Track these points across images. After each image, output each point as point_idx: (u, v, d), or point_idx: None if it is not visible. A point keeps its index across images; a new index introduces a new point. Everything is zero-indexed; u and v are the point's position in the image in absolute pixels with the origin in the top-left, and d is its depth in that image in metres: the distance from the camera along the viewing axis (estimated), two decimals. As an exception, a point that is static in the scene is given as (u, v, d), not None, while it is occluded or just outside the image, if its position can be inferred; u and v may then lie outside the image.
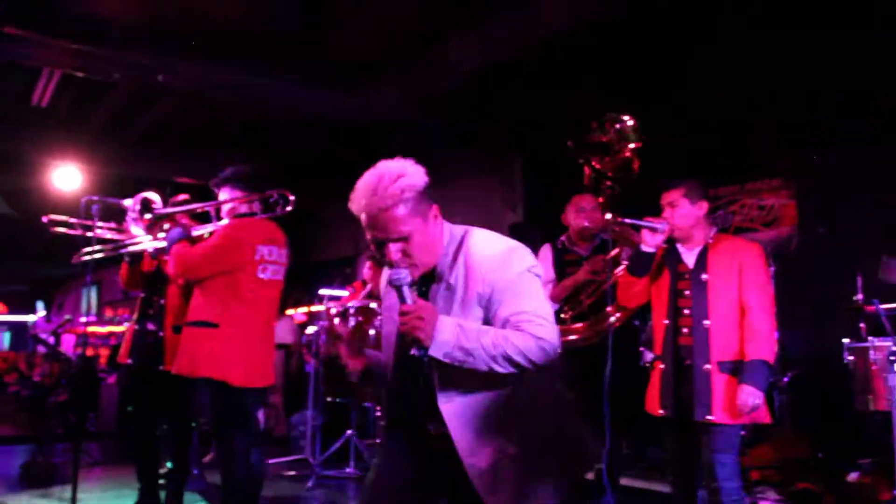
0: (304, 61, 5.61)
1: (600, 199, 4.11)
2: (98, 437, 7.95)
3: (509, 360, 1.85)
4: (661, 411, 3.25)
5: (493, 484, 1.94)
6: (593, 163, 4.14)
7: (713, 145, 5.32)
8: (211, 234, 3.88)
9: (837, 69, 4.80)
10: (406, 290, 1.87)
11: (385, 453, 2.16)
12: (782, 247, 5.23)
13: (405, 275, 1.88)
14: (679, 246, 3.39)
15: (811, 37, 4.73)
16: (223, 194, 3.89)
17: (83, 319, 7.01)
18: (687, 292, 3.26)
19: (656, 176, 3.47)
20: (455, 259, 1.97)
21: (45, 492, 5.19)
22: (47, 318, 17.75)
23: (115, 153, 7.21)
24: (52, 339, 9.32)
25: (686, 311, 3.24)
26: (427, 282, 2.02)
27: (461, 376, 1.91)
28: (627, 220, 3.43)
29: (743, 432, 3.24)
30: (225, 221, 3.86)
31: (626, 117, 3.76)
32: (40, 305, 18.09)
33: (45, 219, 4.56)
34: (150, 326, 4.30)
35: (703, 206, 3.31)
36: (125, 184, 6.92)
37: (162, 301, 4.30)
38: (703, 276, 3.22)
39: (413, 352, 1.84)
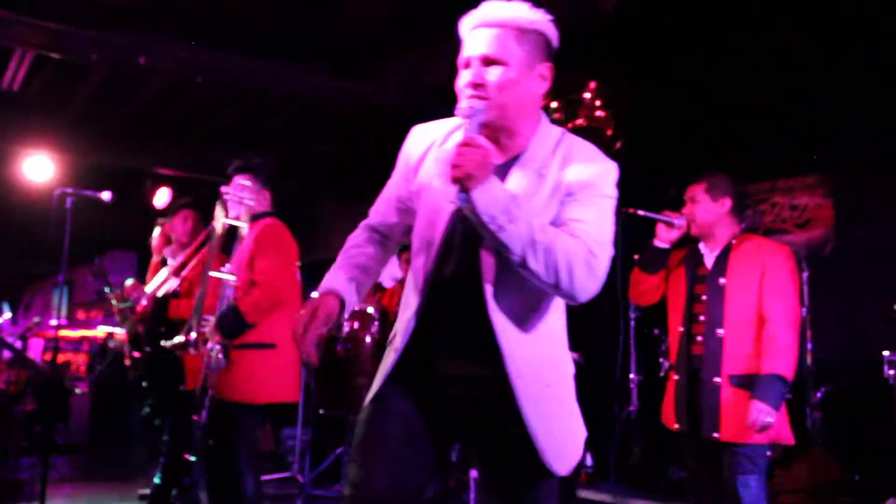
0: (304, 43, 5.54)
1: None
2: (68, 450, 7.88)
3: (550, 255, 1.70)
4: (676, 426, 3.21)
5: (539, 412, 1.84)
6: None
7: (743, 138, 5.30)
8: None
9: (879, 58, 4.76)
10: (475, 124, 1.76)
11: (379, 411, 1.93)
12: (816, 250, 5.21)
13: (481, 109, 1.77)
14: (702, 246, 3.34)
15: (851, 23, 4.69)
16: (237, 181, 3.71)
17: (53, 322, 6.94)
18: (704, 297, 3.20)
19: (683, 170, 3.42)
20: (554, 151, 1.86)
21: (10, 509, 5.16)
22: (13, 321, 17.64)
23: (92, 142, 7.12)
24: (18, 344, 9.26)
25: (701, 318, 3.18)
26: (507, 168, 1.88)
27: (515, 289, 1.81)
28: (641, 213, 3.37)
29: (769, 452, 3.18)
30: (243, 221, 3.68)
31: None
32: (6, 306, 17.98)
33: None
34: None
35: (727, 204, 3.26)
36: (102, 175, 6.88)
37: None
38: (721, 280, 3.16)
39: (452, 198, 1.71)
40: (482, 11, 1.85)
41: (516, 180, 1.84)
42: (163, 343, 4.04)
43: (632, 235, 3.40)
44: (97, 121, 6.93)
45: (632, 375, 5.48)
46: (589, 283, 1.75)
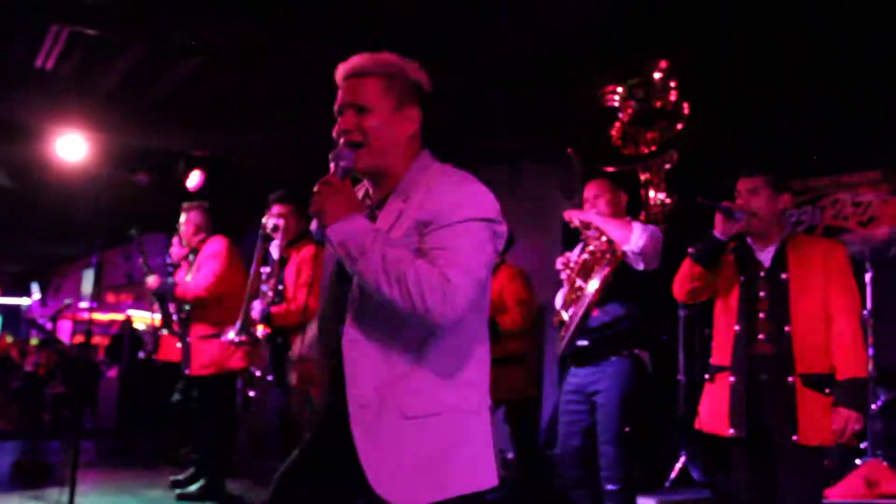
0: (347, 23, 5.53)
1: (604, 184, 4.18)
2: (96, 435, 8.03)
3: (402, 284, 1.80)
4: (731, 431, 3.15)
5: (376, 441, 1.91)
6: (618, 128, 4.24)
7: (804, 131, 5.21)
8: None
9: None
10: (341, 166, 1.95)
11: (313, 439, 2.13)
12: (880, 250, 5.12)
13: (348, 155, 1.97)
14: (751, 242, 3.32)
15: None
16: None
17: (84, 305, 7.06)
18: (762, 294, 3.18)
19: (737, 163, 3.39)
20: (421, 185, 1.99)
21: (38, 493, 5.25)
22: (43, 302, 18.06)
23: (126, 121, 7.16)
24: (48, 326, 9.46)
25: (762, 315, 3.16)
26: (382, 205, 2.05)
27: (375, 320, 1.93)
28: (703, 201, 3.33)
29: (827, 461, 3.15)
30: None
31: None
32: (35, 288, 18.38)
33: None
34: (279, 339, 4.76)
35: (785, 201, 3.27)
36: (135, 155, 7.00)
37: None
38: (784, 276, 3.15)
39: (312, 226, 1.93)
40: (353, 61, 2.04)
41: (384, 216, 2.00)
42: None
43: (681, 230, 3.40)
44: (131, 100, 6.96)
45: (679, 377, 5.44)
46: (444, 309, 1.81)
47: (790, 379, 3.05)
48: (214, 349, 5.19)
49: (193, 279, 5.32)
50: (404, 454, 1.90)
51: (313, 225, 1.94)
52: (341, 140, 2.01)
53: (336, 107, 2.06)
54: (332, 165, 1.96)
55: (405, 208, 1.97)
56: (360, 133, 1.99)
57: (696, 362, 5.43)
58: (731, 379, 3.20)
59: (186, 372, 5.34)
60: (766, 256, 3.25)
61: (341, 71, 2.07)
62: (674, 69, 4.24)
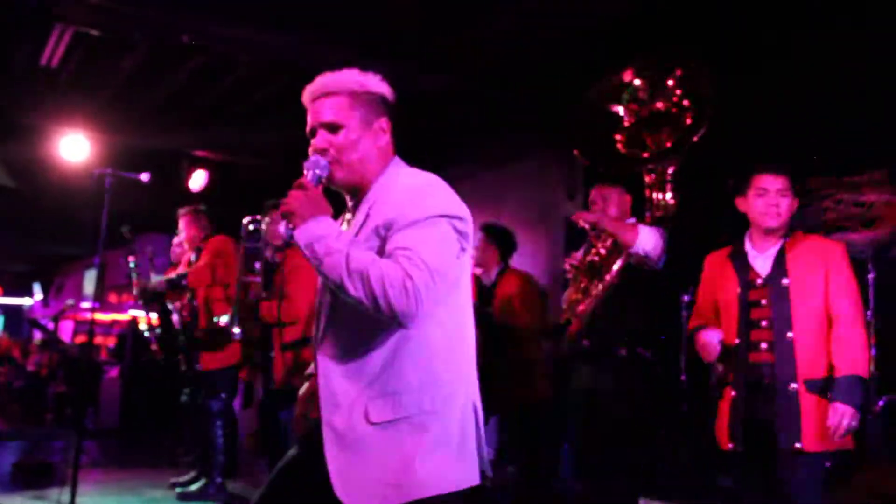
0: (349, 24, 5.62)
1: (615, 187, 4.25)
2: (99, 435, 8.10)
3: (365, 283, 1.86)
4: (729, 445, 3.20)
5: (343, 444, 1.98)
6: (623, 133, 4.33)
7: (805, 129, 5.21)
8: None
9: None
10: (313, 175, 2.04)
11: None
12: (883, 250, 5.12)
13: (323, 164, 2.07)
14: (749, 247, 3.35)
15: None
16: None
17: (86, 305, 7.17)
18: (763, 301, 3.20)
19: (740, 162, 3.42)
20: (385, 188, 2.09)
21: (40, 493, 5.31)
22: (45, 302, 18.16)
23: (129, 121, 7.27)
24: (50, 326, 9.56)
25: (763, 324, 3.18)
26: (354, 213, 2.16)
27: (346, 325, 2.03)
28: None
29: (828, 463, 3.21)
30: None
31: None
32: (37, 288, 18.47)
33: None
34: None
35: (796, 202, 3.30)
36: (138, 155, 7.00)
37: None
38: (784, 282, 3.17)
39: (280, 228, 2.02)
40: (317, 83, 2.14)
41: (354, 224, 2.11)
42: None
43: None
44: (135, 100, 7.05)
45: (682, 377, 5.47)
46: (406, 306, 1.86)
47: (792, 385, 3.07)
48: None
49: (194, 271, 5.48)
50: (370, 460, 1.95)
51: (281, 227, 2.04)
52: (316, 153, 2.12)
53: (308, 129, 2.15)
54: (306, 172, 2.06)
55: (369, 215, 2.05)
56: (335, 150, 2.09)
57: (698, 363, 5.44)
58: (732, 394, 3.24)
59: (199, 367, 5.47)
60: (764, 263, 3.27)
61: (307, 94, 2.16)
62: (679, 70, 4.32)
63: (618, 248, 4.05)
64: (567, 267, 4.25)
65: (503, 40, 5.71)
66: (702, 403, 4.31)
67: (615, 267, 4.08)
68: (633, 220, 4.17)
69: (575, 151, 4.67)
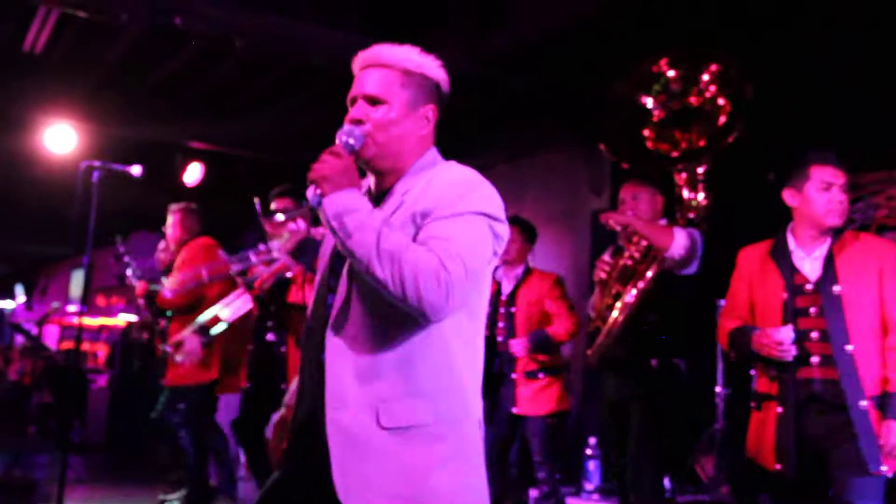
0: (356, 6, 5.56)
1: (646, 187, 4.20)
2: (85, 449, 8.01)
3: (395, 265, 1.80)
4: (777, 466, 3.06)
5: (350, 447, 1.90)
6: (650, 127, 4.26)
7: (856, 122, 5.11)
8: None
9: None
10: (349, 142, 1.99)
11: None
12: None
13: (358, 134, 2.00)
14: (793, 244, 3.17)
15: None
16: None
17: (72, 308, 7.04)
18: (813, 310, 3.04)
19: (784, 156, 3.28)
20: (421, 177, 2.04)
21: (23, 511, 5.27)
22: (28, 306, 18.07)
23: (120, 110, 7.13)
24: (34, 330, 9.44)
25: (814, 335, 3.02)
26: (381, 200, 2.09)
27: (363, 321, 1.94)
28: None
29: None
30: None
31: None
32: (20, 290, 18.38)
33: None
34: (270, 337, 4.75)
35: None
36: (128, 148, 6.95)
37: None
38: (835, 289, 3.00)
39: (308, 193, 1.92)
40: (371, 51, 2.09)
41: (384, 205, 2.05)
42: None
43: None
44: (125, 88, 6.96)
45: (718, 388, 5.34)
46: (437, 298, 1.81)
47: (862, 404, 2.92)
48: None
49: (167, 285, 5.36)
50: (379, 467, 1.89)
51: (310, 192, 1.93)
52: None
53: (349, 97, 2.10)
54: (338, 140, 2.00)
55: (404, 201, 2.00)
56: (371, 125, 2.03)
57: (735, 373, 5.35)
58: (779, 410, 3.09)
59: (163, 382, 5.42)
60: (812, 266, 3.12)
61: (359, 60, 2.11)
62: (714, 65, 4.28)
63: (651, 253, 4.00)
64: (602, 276, 4.18)
65: (528, 25, 5.59)
66: (741, 417, 4.19)
67: (649, 274, 4.03)
68: (664, 222, 4.12)
69: (601, 146, 4.59)
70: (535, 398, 4.83)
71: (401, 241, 1.84)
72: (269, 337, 4.75)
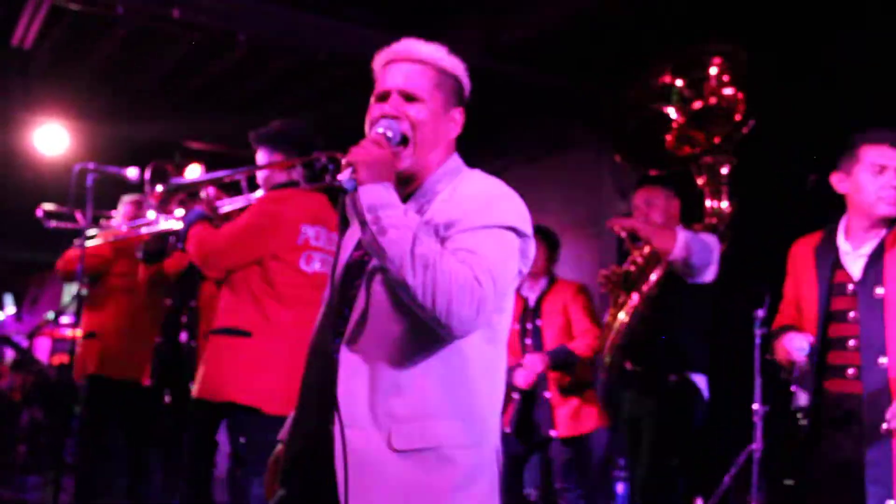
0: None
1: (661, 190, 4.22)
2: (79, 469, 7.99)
3: (429, 272, 1.77)
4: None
5: (361, 469, 1.86)
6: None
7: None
8: (242, 210, 3.84)
9: None
10: (389, 136, 1.96)
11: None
12: None
13: (397, 128, 1.98)
14: (842, 239, 2.98)
15: None
16: (259, 157, 3.89)
17: (66, 320, 7.06)
18: (851, 315, 2.86)
19: (823, 155, 3.15)
20: (445, 184, 2.05)
21: (14, 535, 5.26)
22: (17, 317, 18.11)
23: (114, 109, 7.18)
24: (24, 343, 9.46)
25: (851, 343, 2.85)
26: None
27: (381, 338, 1.92)
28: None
29: None
30: (259, 193, 3.85)
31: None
32: (9, 300, 18.44)
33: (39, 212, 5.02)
34: (183, 337, 4.62)
35: None
36: (123, 148, 6.94)
37: (193, 304, 4.63)
38: (878, 291, 2.82)
39: (339, 177, 1.88)
40: (403, 46, 2.08)
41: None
42: None
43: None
44: (120, 85, 7.02)
45: (755, 406, 5.25)
46: (468, 313, 1.79)
47: (883, 426, 2.74)
48: None
49: None
50: (388, 491, 1.87)
51: (344, 175, 1.88)
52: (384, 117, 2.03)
53: (379, 90, 2.07)
54: (374, 131, 1.98)
55: (427, 208, 2.00)
56: (410, 123, 2.01)
57: (773, 389, 5.28)
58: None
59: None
60: (858, 263, 2.92)
61: (391, 52, 2.09)
62: (716, 59, 4.31)
63: (656, 257, 4.03)
64: (601, 280, 4.23)
65: (542, 21, 5.65)
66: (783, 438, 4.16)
67: (653, 277, 4.05)
68: (680, 227, 4.10)
69: (616, 157, 4.76)
70: (575, 416, 4.71)
71: (435, 247, 1.82)
72: (183, 336, 4.68)
